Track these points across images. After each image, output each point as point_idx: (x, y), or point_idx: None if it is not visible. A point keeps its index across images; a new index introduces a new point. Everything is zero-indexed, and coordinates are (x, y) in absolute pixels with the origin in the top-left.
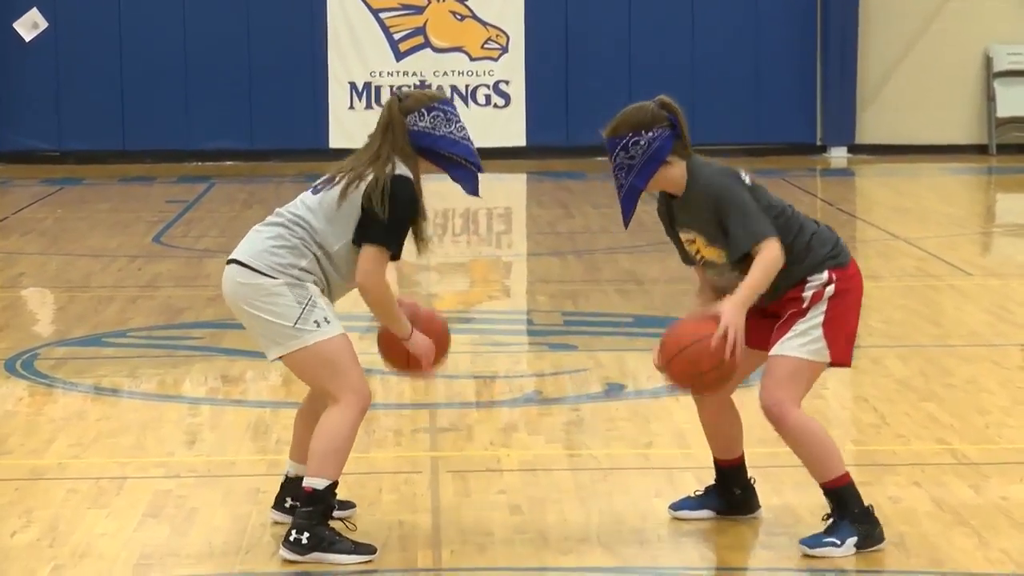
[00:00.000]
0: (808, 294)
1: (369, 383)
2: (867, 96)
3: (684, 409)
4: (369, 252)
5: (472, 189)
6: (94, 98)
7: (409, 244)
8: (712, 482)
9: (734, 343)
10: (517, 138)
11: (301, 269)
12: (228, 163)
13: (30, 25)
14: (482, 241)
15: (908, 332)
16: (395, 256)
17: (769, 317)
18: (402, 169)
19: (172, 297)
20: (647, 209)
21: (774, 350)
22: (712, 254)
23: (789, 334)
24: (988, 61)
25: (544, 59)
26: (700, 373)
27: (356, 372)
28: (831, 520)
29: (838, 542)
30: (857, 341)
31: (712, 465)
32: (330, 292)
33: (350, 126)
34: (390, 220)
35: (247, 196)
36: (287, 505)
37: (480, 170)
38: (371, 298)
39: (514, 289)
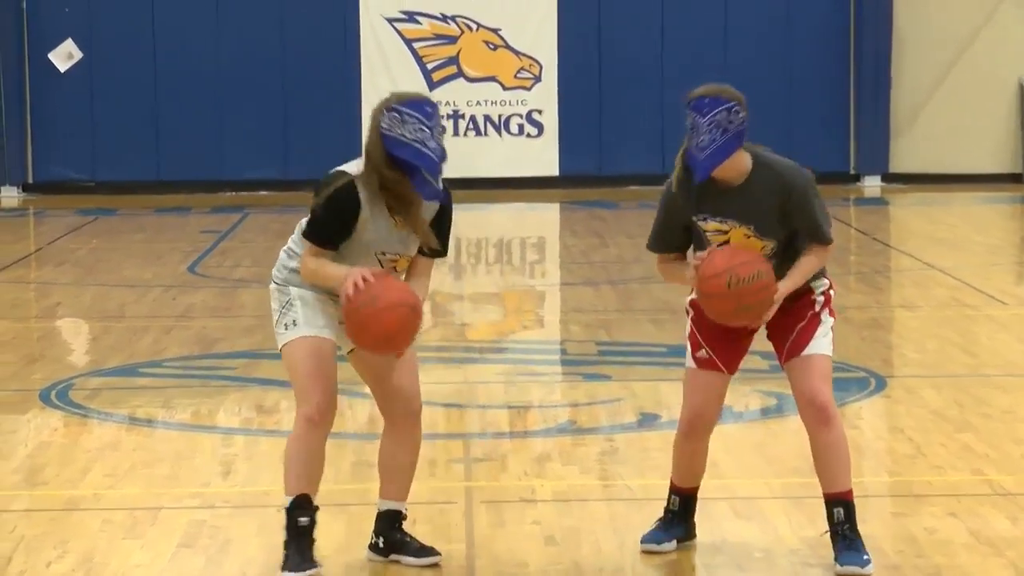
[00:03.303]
0: (820, 297)
1: (330, 390)
2: (901, 125)
3: (716, 439)
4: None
5: (427, 195)
6: (128, 128)
7: (442, 276)
8: (667, 514)
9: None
10: (550, 167)
11: (290, 270)
12: (262, 193)
13: (65, 55)
14: (515, 271)
15: (943, 362)
16: (319, 246)
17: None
18: (351, 166)
19: (207, 327)
20: None
21: (810, 349)
22: (745, 245)
23: (818, 333)
24: (1022, 90)
25: (577, 89)
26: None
27: (310, 380)
28: (849, 532)
29: (868, 555)
30: (892, 371)
31: (673, 494)
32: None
33: None
34: (312, 210)
35: (281, 226)
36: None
37: (432, 172)
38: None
39: (548, 319)
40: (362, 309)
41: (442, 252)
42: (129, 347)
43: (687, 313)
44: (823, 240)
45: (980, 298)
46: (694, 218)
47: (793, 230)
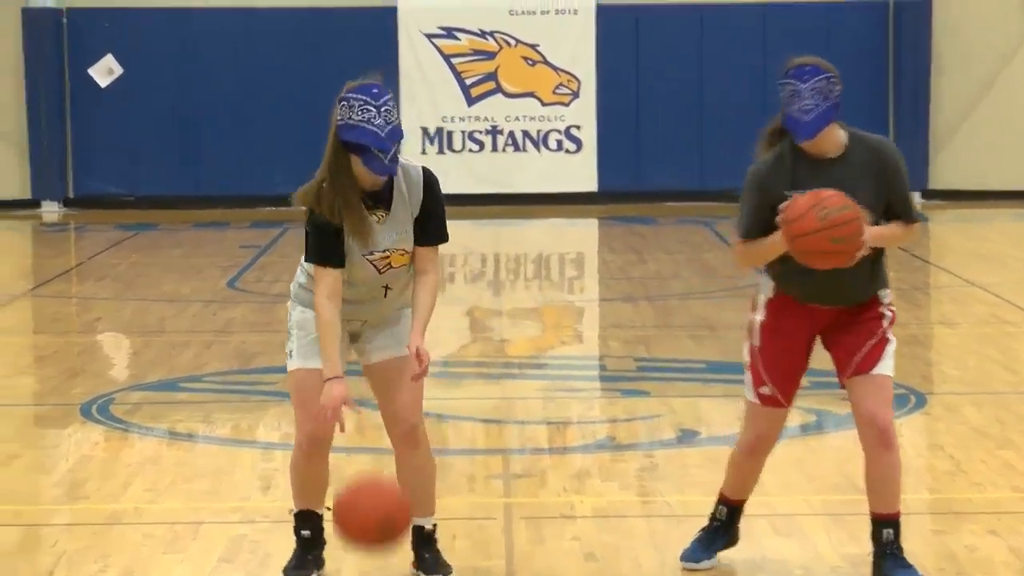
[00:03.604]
0: (888, 313)
1: (321, 419)
2: (940, 141)
3: None
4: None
5: (376, 170)
6: (168, 143)
7: (481, 292)
8: (712, 524)
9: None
10: (588, 183)
11: (299, 285)
12: (301, 208)
13: (105, 71)
14: (554, 286)
15: (983, 379)
16: (323, 265)
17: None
18: (322, 171)
19: (246, 342)
20: (718, 255)
21: (878, 369)
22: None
23: (886, 353)
24: None
25: (615, 104)
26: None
27: (299, 412)
28: (898, 552)
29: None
30: (932, 387)
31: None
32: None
33: None
34: (305, 232)
35: None
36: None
37: (379, 147)
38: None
39: (586, 334)
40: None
41: (441, 239)
42: (169, 362)
43: (747, 339)
44: (911, 217)
45: (1020, 315)
46: (788, 194)
47: (884, 208)
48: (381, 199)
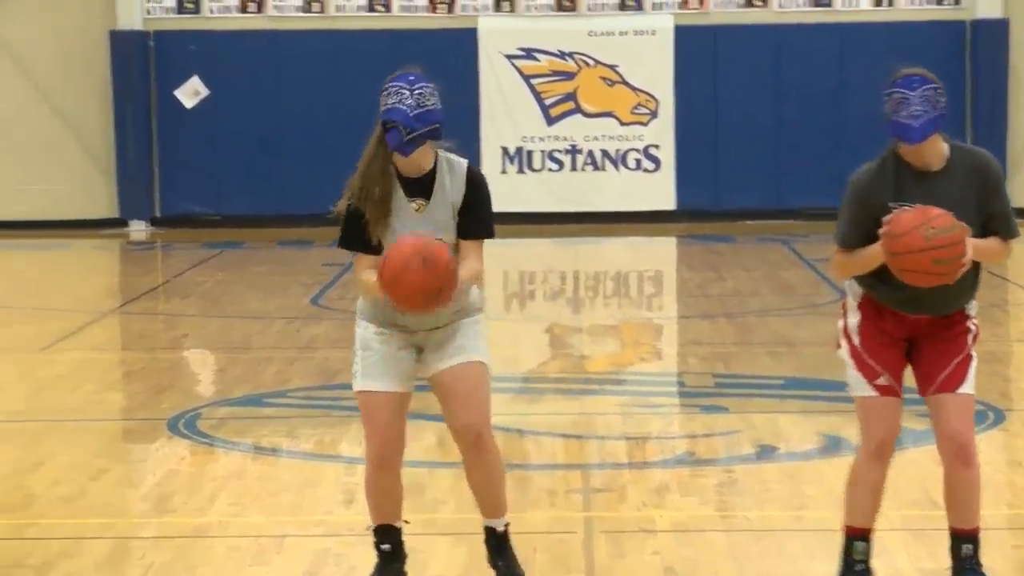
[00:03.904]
0: (972, 328)
1: (384, 438)
2: (1018, 160)
3: (837, 471)
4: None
5: (391, 142)
6: (253, 163)
7: (561, 309)
8: (856, 568)
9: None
10: (667, 202)
11: (361, 297)
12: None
13: (191, 93)
14: (633, 304)
15: None
16: (350, 249)
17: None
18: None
19: (329, 358)
20: (796, 273)
21: (963, 387)
22: None
23: (970, 371)
24: None
25: (693, 124)
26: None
27: (366, 431)
28: (977, 567)
29: None
30: (1010, 404)
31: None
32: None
33: (502, 190)
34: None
35: None
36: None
37: (404, 123)
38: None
39: (665, 351)
40: (383, 279)
41: (482, 234)
42: (254, 377)
43: (842, 342)
44: (1010, 232)
45: None
46: (891, 205)
47: (983, 223)
48: (422, 189)
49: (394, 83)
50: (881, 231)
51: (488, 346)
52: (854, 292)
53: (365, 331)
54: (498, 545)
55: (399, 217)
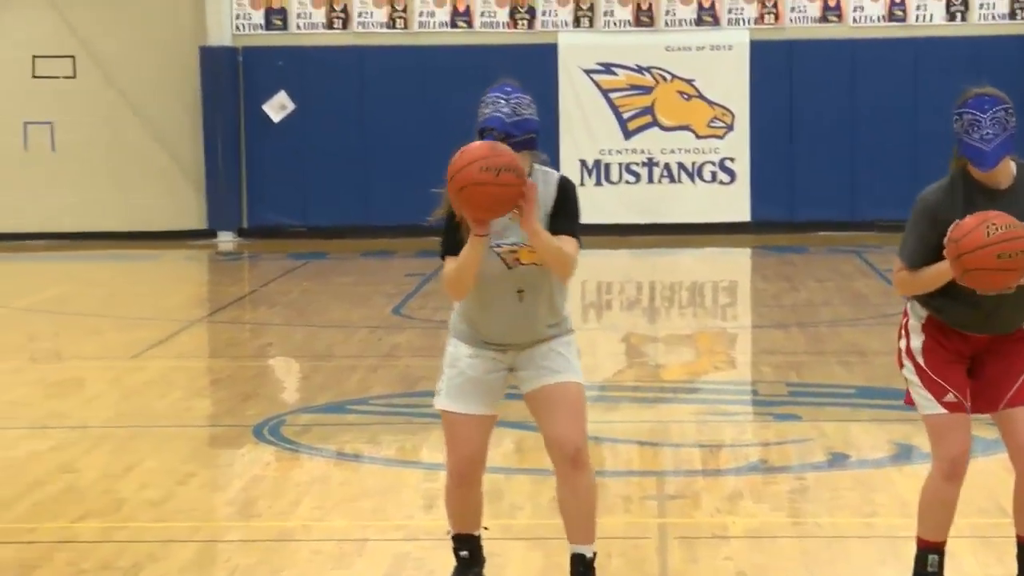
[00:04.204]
0: None
1: (466, 457)
2: None
3: (907, 478)
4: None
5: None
6: (337, 175)
7: (637, 319)
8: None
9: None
10: (742, 214)
11: (455, 312)
12: None
13: (278, 107)
14: (708, 313)
15: None
16: (451, 255)
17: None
18: None
19: (410, 366)
20: (868, 284)
21: None
22: None
23: None
24: None
25: (768, 137)
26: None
27: (447, 447)
28: None
29: None
30: None
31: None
32: (479, 306)
33: (581, 202)
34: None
35: None
36: None
37: (503, 131)
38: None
39: (739, 360)
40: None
41: (569, 232)
42: (337, 385)
43: (906, 362)
44: None
45: None
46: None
47: None
48: None
49: (492, 94)
50: (946, 239)
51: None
52: (917, 314)
53: (456, 349)
54: (581, 572)
55: (495, 224)
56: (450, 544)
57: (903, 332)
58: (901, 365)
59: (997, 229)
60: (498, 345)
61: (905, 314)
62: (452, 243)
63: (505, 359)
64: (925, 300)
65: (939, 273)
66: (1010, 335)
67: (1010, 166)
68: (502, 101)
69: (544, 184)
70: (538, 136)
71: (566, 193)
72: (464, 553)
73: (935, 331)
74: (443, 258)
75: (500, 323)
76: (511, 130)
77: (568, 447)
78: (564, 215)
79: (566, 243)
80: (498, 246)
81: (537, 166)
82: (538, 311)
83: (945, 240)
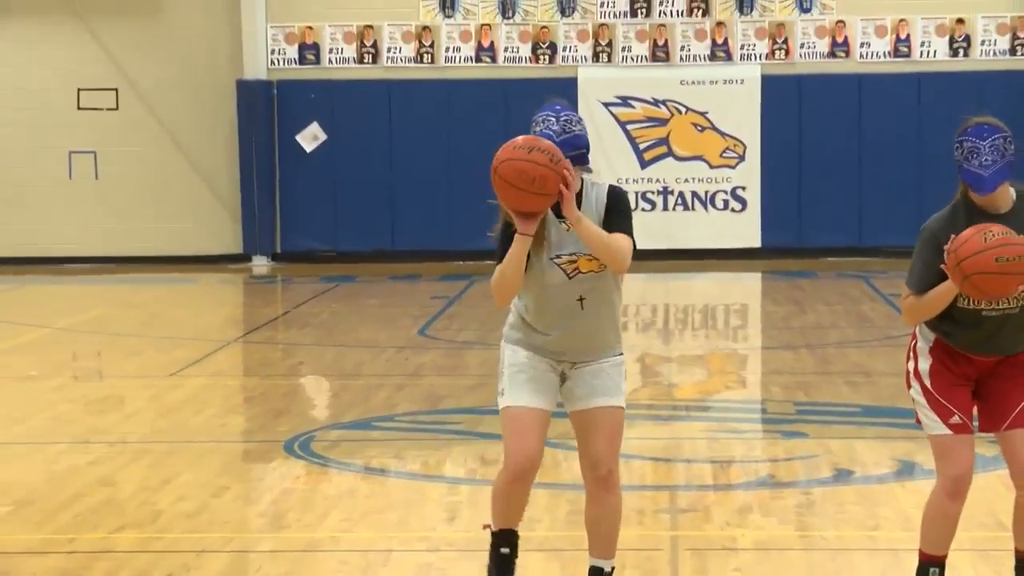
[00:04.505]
0: None
1: (527, 452)
2: None
3: (910, 494)
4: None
5: None
6: (367, 203)
7: (652, 340)
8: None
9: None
10: (752, 240)
11: (509, 326)
12: (487, 262)
13: (311, 138)
14: (720, 335)
15: None
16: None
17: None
18: None
19: (434, 385)
20: (874, 307)
21: None
22: None
23: None
24: None
25: (778, 167)
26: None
27: (510, 443)
28: None
29: None
30: None
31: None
32: (538, 313)
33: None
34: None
35: None
36: None
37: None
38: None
39: (749, 380)
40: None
41: (623, 230)
42: (365, 403)
43: (913, 383)
44: None
45: None
46: None
47: None
48: None
49: (542, 112)
50: (946, 251)
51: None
52: (925, 337)
53: (515, 354)
54: None
55: (550, 235)
56: (472, 553)
57: (911, 354)
58: (909, 386)
59: (994, 235)
60: (553, 352)
61: (914, 336)
62: (505, 253)
63: (559, 367)
64: (933, 324)
65: (943, 292)
66: (1014, 358)
67: (1009, 191)
68: (552, 119)
69: (596, 195)
70: (588, 151)
71: (617, 197)
72: (505, 550)
73: (942, 354)
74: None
75: (562, 333)
76: (561, 147)
77: (602, 469)
78: (616, 215)
79: (619, 239)
80: (558, 257)
81: (586, 176)
82: (599, 318)
83: (945, 253)
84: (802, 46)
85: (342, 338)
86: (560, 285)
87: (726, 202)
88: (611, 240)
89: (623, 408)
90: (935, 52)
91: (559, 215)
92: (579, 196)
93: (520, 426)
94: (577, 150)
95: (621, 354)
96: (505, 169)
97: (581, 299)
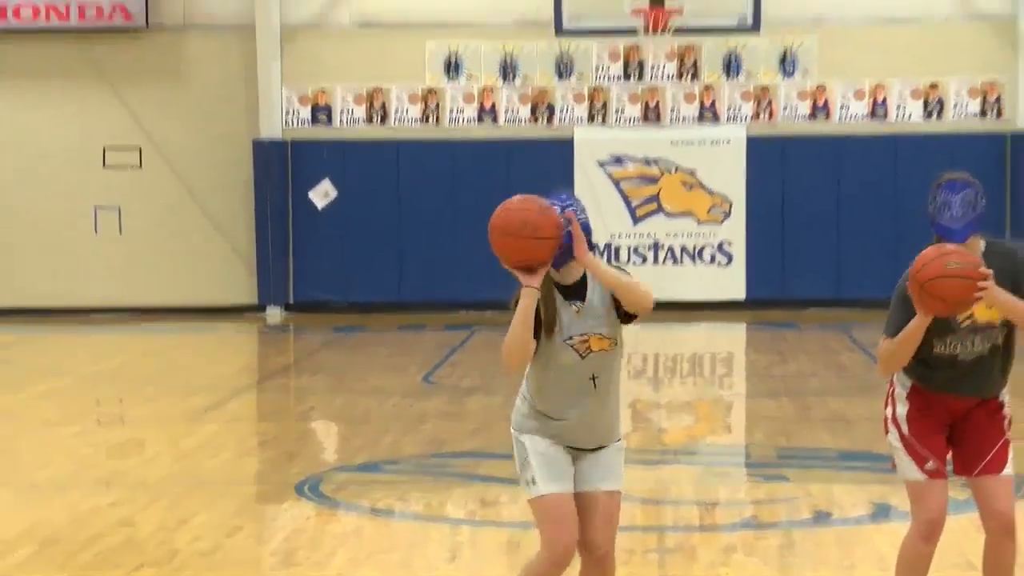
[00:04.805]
0: (1008, 414)
1: (567, 541)
2: None
3: (885, 535)
4: None
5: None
6: (376, 256)
7: (643, 387)
8: None
9: (977, 290)
10: (738, 292)
11: (523, 415)
12: (488, 313)
13: (322, 194)
14: (707, 383)
15: None
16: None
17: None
18: None
19: (437, 429)
20: (852, 357)
21: (1007, 470)
22: (987, 316)
23: (1009, 456)
24: None
25: (763, 222)
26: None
27: (553, 531)
28: None
29: None
30: None
31: None
32: (553, 395)
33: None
34: None
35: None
36: None
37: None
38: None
39: (734, 425)
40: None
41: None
42: (372, 447)
43: (891, 429)
44: None
45: None
46: None
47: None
48: (577, 293)
49: (548, 201)
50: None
51: None
52: (903, 383)
53: (536, 442)
54: None
55: (562, 319)
56: None
57: (889, 400)
58: (887, 431)
59: (948, 250)
60: (570, 440)
61: (892, 383)
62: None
63: (570, 453)
64: (910, 369)
65: (913, 328)
66: (988, 403)
67: (979, 243)
68: (558, 207)
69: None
70: (590, 235)
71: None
72: None
73: (919, 400)
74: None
75: (577, 413)
76: (568, 234)
77: (598, 552)
78: (618, 270)
79: (637, 280)
80: (570, 339)
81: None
82: (609, 396)
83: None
84: (785, 109)
85: (352, 385)
86: (573, 365)
87: (713, 256)
88: (631, 281)
89: (621, 492)
90: (910, 115)
91: (567, 296)
92: (584, 279)
93: (560, 515)
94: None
95: (621, 439)
96: (496, 220)
97: (594, 377)
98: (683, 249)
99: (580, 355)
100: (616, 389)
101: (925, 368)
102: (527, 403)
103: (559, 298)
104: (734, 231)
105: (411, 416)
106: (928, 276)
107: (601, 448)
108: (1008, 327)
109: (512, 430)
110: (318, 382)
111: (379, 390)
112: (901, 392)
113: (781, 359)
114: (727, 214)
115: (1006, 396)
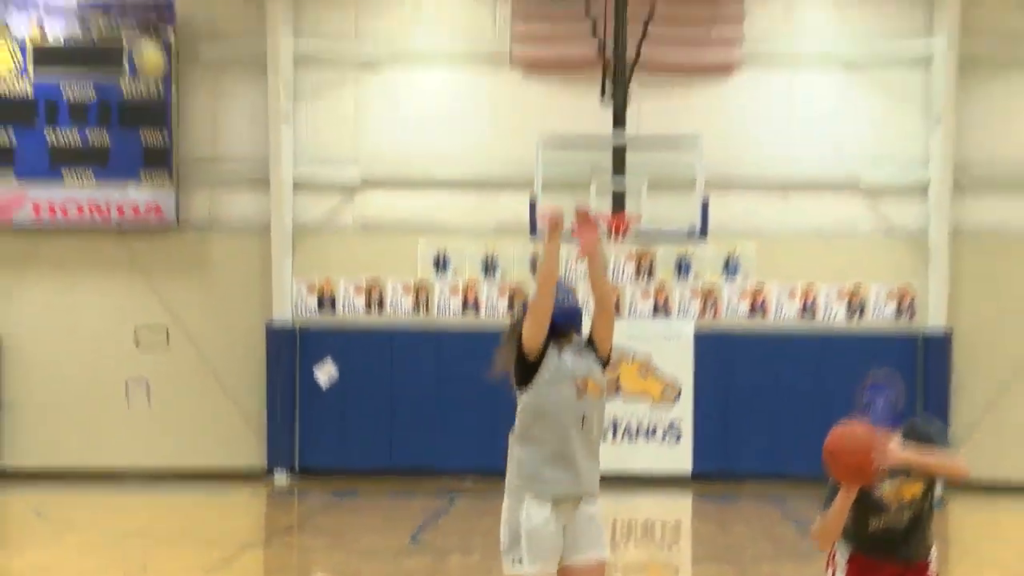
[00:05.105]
0: (935, 569)
1: None
2: (959, 441)
3: None
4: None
5: (556, 315)
6: (372, 428)
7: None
8: None
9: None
10: (685, 466)
11: (525, 479)
12: (467, 480)
13: (326, 373)
14: (657, 548)
15: None
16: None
17: None
18: None
19: None
20: (785, 527)
21: None
22: (912, 491)
23: None
24: None
25: (709, 406)
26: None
27: None
28: None
29: None
30: None
31: None
32: (551, 430)
33: None
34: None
35: (484, 504)
36: None
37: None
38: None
39: None
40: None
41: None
42: None
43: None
44: (947, 445)
45: None
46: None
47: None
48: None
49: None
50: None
51: None
52: (842, 551)
53: (531, 517)
54: None
55: (570, 361)
56: None
57: (830, 562)
58: None
59: (855, 424)
60: (571, 486)
61: (833, 548)
62: (522, 371)
63: (562, 516)
64: (849, 538)
65: (839, 502)
66: (916, 567)
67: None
68: (559, 295)
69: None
70: (579, 317)
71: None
72: None
73: (856, 565)
74: (518, 388)
75: (565, 447)
76: (565, 314)
77: None
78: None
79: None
80: (572, 375)
81: (576, 338)
82: (594, 445)
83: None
84: (727, 307)
85: (348, 544)
86: (570, 403)
87: (664, 434)
88: (607, 284)
89: (607, 559)
90: (836, 315)
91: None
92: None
93: None
94: (576, 316)
95: (597, 496)
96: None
97: (584, 417)
98: (639, 427)
99: (577, 393)
100: (598, 440)
101: (863, 539)
102: (529, 466)
103: (573, 343)
104: (683, 412)
105: (400, 572)
106: (830, 448)
107: (591, 503)
108: (929, 489)
109: (506, 498)
110: (318, 541)
111: (372, 549)
112: (841, 560)
113: (722, 529)
114: (677, 397)
115: (934, 562)
